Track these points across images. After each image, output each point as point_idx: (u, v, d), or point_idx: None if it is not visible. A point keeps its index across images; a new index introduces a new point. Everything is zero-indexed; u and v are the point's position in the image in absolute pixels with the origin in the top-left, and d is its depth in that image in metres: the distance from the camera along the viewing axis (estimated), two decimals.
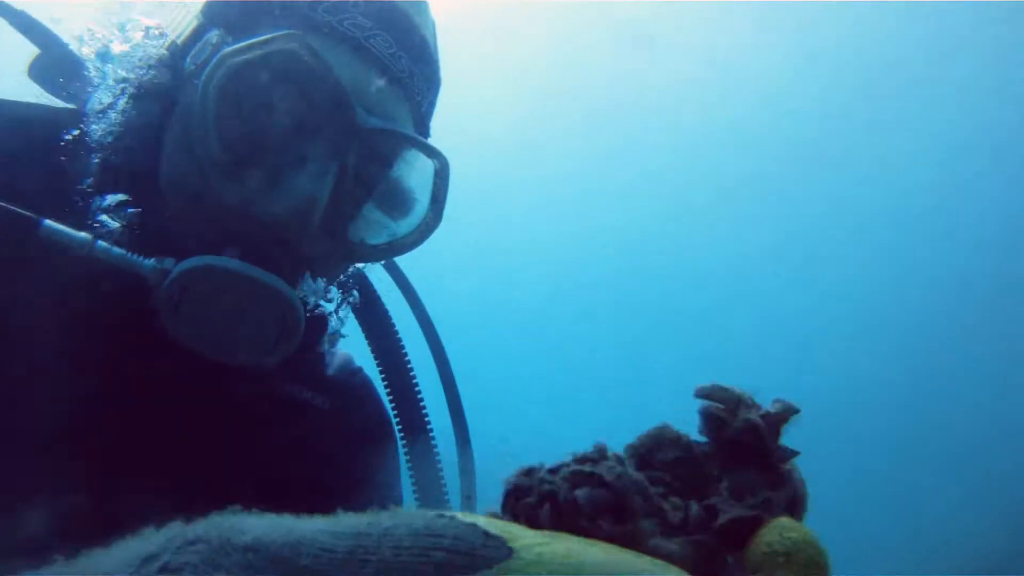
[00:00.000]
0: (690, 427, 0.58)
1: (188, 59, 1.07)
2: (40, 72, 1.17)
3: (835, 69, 12.26)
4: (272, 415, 1.21)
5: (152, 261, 0.98)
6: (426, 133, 1.25)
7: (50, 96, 1.17)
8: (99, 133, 1.08)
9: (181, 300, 0.98)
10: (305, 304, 1.10)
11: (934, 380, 13.16)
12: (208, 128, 1.01)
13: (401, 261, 1.42)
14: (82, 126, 1.10)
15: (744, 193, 13.46)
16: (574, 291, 14.32)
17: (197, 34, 1.09)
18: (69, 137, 1.09)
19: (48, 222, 0.96)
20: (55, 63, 1.16)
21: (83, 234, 0.97)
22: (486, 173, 12.49)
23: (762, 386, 0.58)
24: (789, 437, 0.56)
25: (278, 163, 1.04)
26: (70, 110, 1.16)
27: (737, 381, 0.58)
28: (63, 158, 1.08)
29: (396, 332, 1.37)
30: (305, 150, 1.04)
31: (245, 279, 0.98)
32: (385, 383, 1.35)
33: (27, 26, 1.17)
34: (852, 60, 12.12)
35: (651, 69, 12.13)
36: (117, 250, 0.98)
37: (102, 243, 0.98)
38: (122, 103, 1.09)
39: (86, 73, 1.16)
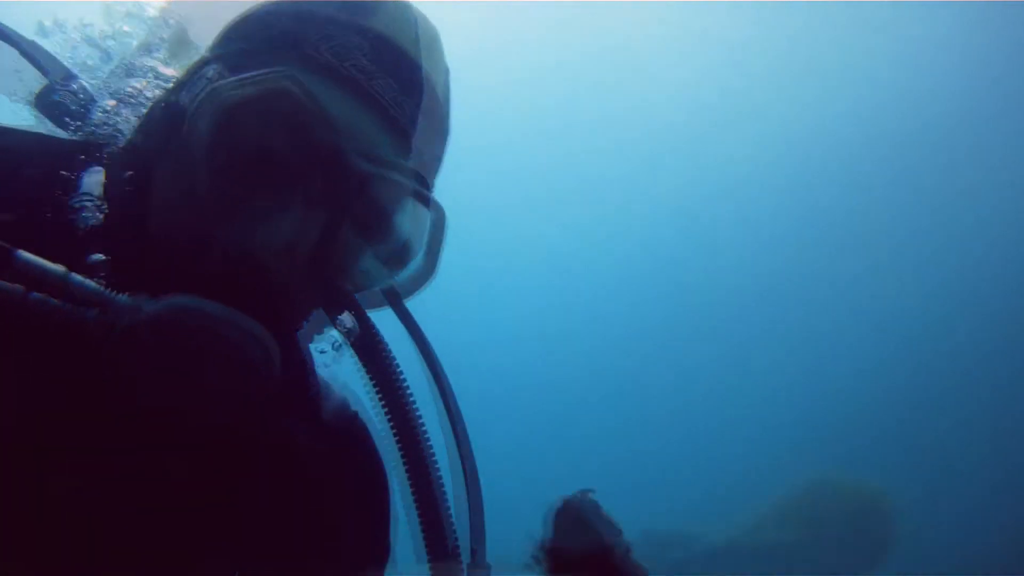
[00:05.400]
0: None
1: (184, 93, 1.05)
2: (45, 103, 1.14)
3: (832, 68, 12.22)
4: (264, 453, 1.15)
5: (125, 297, 0.94)
6: (427, 187, 1.18)
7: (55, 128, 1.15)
8: (98, 173, 1.06)
9: (150, 341, 0.93)
10: (296, 345, 1.08)
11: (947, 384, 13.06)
12: (196, 162, 0.99)
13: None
14: (83, 161, 1.08)
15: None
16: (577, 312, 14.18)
17: (197, 69, 1.08)
18: (65, 174, 1.06)
19: (23, 252, 0.92)
20: (63, 94, 1.14)
21: (58, 265, 0.94)
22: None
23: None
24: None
25: (265, 205, 1.01)
26: (73, 143, 1.13)
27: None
28: (59, 193, 1.04)
29: (404, 382, 1.23)
30: (293, 193, 1.01)
31: (222, 322, 0.93)
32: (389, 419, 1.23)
33: (35, 55, 1.16)
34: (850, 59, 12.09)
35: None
36: (91, 284, 0.94)
37: (76, 276, 0.94)
38: (124, 141, 1.09)
39: (96, 104, 1.14)
